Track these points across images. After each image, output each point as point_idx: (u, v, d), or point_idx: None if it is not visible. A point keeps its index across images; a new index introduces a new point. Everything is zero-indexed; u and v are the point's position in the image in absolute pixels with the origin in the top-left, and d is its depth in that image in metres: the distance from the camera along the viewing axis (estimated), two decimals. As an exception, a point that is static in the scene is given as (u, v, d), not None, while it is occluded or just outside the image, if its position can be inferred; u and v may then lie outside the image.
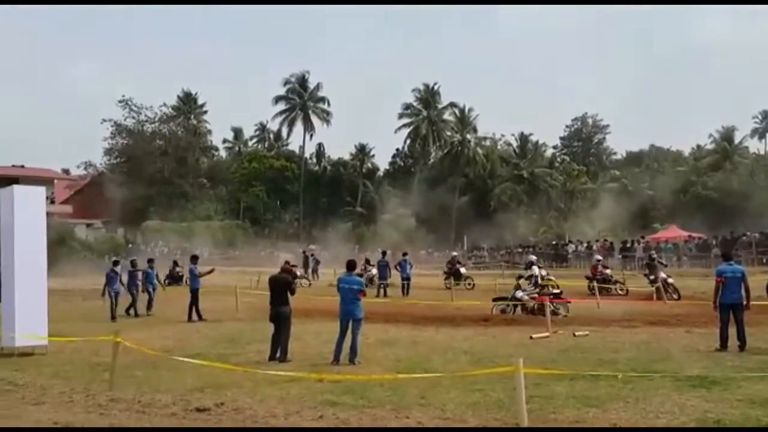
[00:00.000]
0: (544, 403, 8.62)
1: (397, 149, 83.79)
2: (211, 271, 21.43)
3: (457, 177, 73.23)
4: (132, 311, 21.07)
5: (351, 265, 12.65)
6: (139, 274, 21.90)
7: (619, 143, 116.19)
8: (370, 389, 9.62)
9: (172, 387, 10.21)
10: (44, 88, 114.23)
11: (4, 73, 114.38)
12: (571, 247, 48.57)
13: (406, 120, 76.04)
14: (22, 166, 61.41)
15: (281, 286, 12.72)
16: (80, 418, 8.52)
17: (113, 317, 19.90)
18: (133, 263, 22.65)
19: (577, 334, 14.73)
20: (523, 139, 77.22)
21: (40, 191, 14.67)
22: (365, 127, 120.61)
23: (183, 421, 8.28)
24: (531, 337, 14.35)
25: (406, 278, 26.47)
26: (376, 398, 9.11)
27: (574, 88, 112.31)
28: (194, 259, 21.01)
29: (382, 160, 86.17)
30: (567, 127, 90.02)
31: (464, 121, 75.17)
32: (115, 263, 21.70)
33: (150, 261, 23.97)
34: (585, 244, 47.37)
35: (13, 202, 13.57)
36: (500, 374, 9.24)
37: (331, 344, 12.39)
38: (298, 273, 22.64)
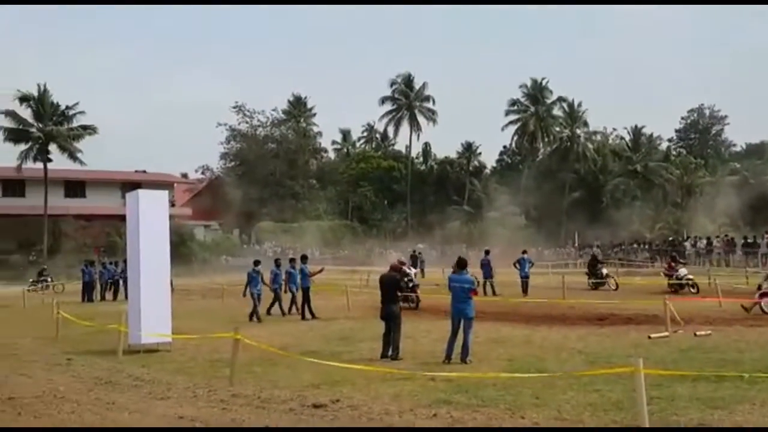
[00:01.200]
0: (665, 404, 8.29)
1: (505, 146, 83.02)
2: (320, 271, 21.86)
3: (567, 173, 71.52)
4: (273, 310, 20.79)
5: (461, 264, 12.57)
6: (283, 274, 21.53)
7: (738, 135, 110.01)
8: (484, 388, 9.54)
9: (289, 383, 10.48)
10: (161, 96, 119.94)
11: (124, 83, 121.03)
12: (689, 244, 46.45)
13: (513, 116, 74.83)
14: (144, 171, 64.85)
15: (391, 285, 12.81)
16: (204, 412, 8.88)
17: (258, 318, 19.70)
18: (276, 263, 22.37)
19: (698, 333, 14.08)
20: (636, 132, 74.45)
21: (163, 195, 15.35)
22: (471, 125, 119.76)
23: (301, 416, 8.48)
24: (649, 337, 13.83)
25: (525, 276, 25.93)
26: (490, 397, 9.02)
27: (688, 79, 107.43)
28: (304, 258, 21.49)
29: (489, 158, 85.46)
30: (683, 119, 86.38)
31: (573, 115, 73.20)
32: (256, 263, 21.25)
33: (277, 261, 23.41)
34: (704, 240, 45.18)
35: (139, 205, 14.32)
36: (618, 375, 8.99)
37: (442, 343, 12.39)
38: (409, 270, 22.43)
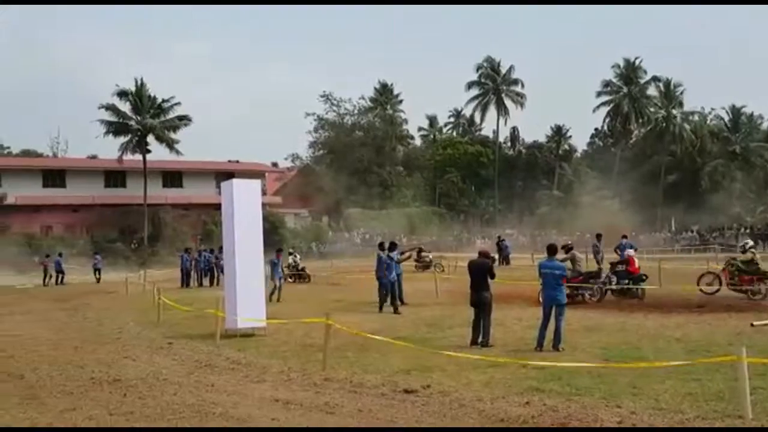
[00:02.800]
0: (770, 395, 7.94)
1: (596, 129, 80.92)
2: (409, 257, 21.91)
3: (662, 155, 69.03)
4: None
5: (552, 250, 12.36)
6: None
7: None
8: (577, 376, 9.37)
9: (380, 368, 10.60)
10: (252, 88, 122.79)
11: (217, 76, 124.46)
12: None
13: (605, 98, 72.69)
14: (237, 161, 66.63)
15: (481, 271, 12.72)
16: (298, 396, 9.09)
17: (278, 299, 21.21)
18: (391, 246, 21.34)
19: (807, 322, 13.37)
20: (736, 112, 71.07)
21: (256, 184, 15.78)
22: (561, 107, 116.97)
23: (392, 401, 8.55)
24: (752, 324, 13.20)
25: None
26: (584, 386, 8.86)
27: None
28: (393, 246, 21.55)
29: (579, 141, 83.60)
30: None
31: (669, 95, 70.48)
32: (279, 251, 23.28)
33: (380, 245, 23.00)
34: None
35: (233, 193, 14.74)
36: (719, 364, 8.66)
37: (533, 330, 12.25)
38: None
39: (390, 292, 18.80)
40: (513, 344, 12.38)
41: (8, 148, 71.55)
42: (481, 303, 12.52)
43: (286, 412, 8.19)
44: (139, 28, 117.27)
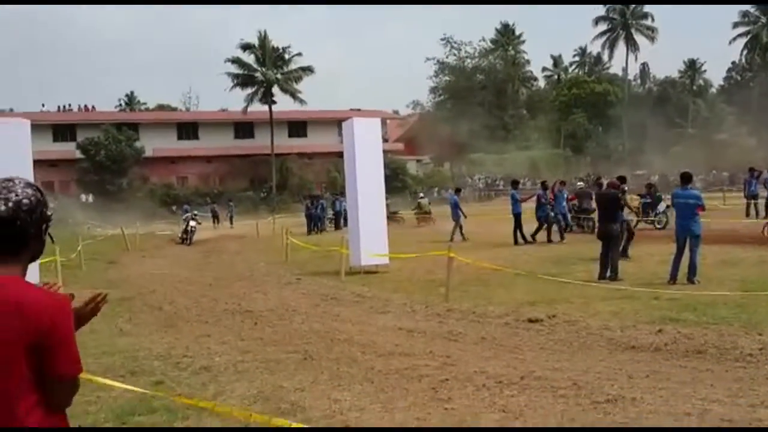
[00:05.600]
0: None
1: (733, 62, 75.44)
2: (531, 197, 21.40)
3: (808, 87, 63.56)
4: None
5: (686, 178, 11.65)
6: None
7: None
8: (714, 307, 8.87)
9: (503, 300, 10.48)
10: (371, 40, 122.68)
11: (339, 28, 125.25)
12: None
13: (742, 29, 67.50)
14: (359, 110, 67.13)
15: (609, 203, 12.22)
16: (421, 325, 9.13)
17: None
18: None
19: None
20: None
21: (376, 122, 15.84)
22: (695, 40, 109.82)
23: (516, 330, 8.44)
24: None
25: (751, 196, 23.60)
26: (721, 316, 8.37)
27: None
28: (515, 184, 21.17)
29: (715, 76, 78.33)
30: None
31: (816, 22, 64.58)
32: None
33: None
34: None
35: (354, 132, 14.84)
36: None
37: (667, 265, 11.67)
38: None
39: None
40: (645, 278, 11.84)
41: (145, 103, 75.39)
42: (608, 235, 12.06)
43: (409, 339, 8.25)
44: None
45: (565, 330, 8.21)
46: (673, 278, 11.14)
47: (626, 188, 16.49)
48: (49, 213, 2.18)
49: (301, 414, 5.47)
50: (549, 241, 19.35)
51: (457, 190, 25.31)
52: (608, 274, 11.95)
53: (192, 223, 28.25)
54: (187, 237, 27.88)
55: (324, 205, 33.12)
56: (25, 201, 2.09)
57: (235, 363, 7.38)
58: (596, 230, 12.38)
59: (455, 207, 22.20)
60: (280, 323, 9.66)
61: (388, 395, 5.92)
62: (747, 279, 11.16)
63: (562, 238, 19.65)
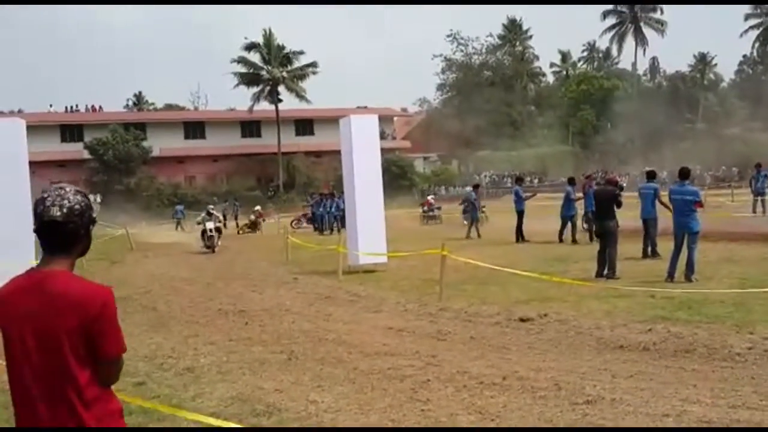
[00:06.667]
0: None
1: (744, 55, 74.81)
2: (534, 195, 21.30)
3: (822, 80, 62.97)
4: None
5: (684, 174, 11.50)
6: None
7: None
8: (709, 305, 8.75)
9: (498, 299, 10.38)
10: (379, 37, 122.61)
11: (345, 26, 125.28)
12: None
13: (754, 21, 66.84)
14: (366, 107, 67.01)
15: (606, 199, 12.09)
16: (412, 324, 9.05)
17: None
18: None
19: None
20: None
21: (373, 119, 15.68)
22: (705, 33, 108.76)
23: (505, 329, 8.34)
24: None
25: (758, 192, 23.33)
26: (716, 314, 8.24)
27: None
28: (519, 180, 21.09)
29: (726, 70, 77.66)
30: None
31: (829, 13, 63.88)
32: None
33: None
34: None
35: (351, 129, 14.75)
36: None
37: (666, 262, 11.52)
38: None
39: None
40: (642, 276, 11.71)
41: (153, 103, 75.56)
42: (606, 232, 11.93)
43: (397, 339, 8.18)
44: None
45: (555, 329, 8.11)
46: (670, 276, 11.01)
47: (624, 185, 16.39)
48: (94, 215, 2.55)
49: (276, 416, 5.42)
50: (574, 241, 18.07)
51: (475, 187, 24.80)
52: (605, 272, 11.82)
53: (209, 224, 23.72)
54: (211, 244, 23.41)
55: (340, 204, 32.25)
56: (77, 207, 2.45)
57: (219, 363, 7.35)
58: (594, 227, 12.22)
59: (473, 204, 22.22)
60: (271, 323, 9.61)
61: (367, 396, 5.86)
62: (746, 276, 11.02)
63: (591, 239, 17.09)
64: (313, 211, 32.05)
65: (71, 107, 62.82)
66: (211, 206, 26.51)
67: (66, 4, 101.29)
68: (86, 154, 52.89)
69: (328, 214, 30.51)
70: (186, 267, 19.08)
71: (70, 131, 56.40)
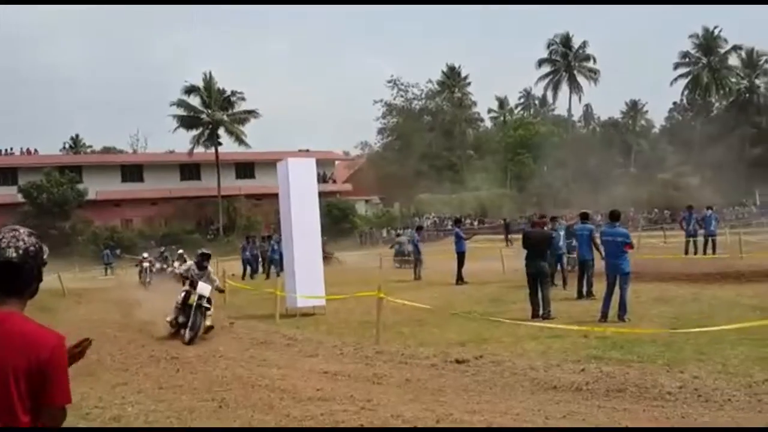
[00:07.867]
0: None
1: (674, 102, 77.90)
2: (473, 235, 21.56)
3: (746, 127, 65.72)
4: None
5: (614, 216, 11.81)
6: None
7: None
8: (641, 345, 8.89)
9: (435, 341, 10.35)
10: (319, 78, 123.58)
11: (285, 70, 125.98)
12: None
13: (682, 70, 69.70)
14: (308, 150, 67.12)
15: (540, 241, 12.27)
16: (348, 368, 8.93)
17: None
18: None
19: None
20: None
21: (311, 162, 15.66)
22: (636, 82, 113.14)
23: (442, 371, 8.30)
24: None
25: (711, 234, 23.85)
26: (647, 354, 8.38)
27: None
28: (458, 222, 21.29)
29: (657, 116, 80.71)
30: None
31: (752, 64, 67.03)
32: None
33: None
34: None
35: (288, 172, 14.69)
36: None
37: (599, 302, 11.71)
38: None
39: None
40: (577, 316, 11.89)
41: (90, 146, 74.10)
42: (541, 274, 12.10)
43: (332, 383, 8.04)
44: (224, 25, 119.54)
45: (490, 370, 8.10)
46: (604, 316, 11.19)
47: (557, 225, 16.70)
48: (45, 258, 2.52)
49: (202, 466, 5.21)
50: (564, 283, 16.25)
51: (418, 229, 25.42)
52: (541, 312, 11.94)
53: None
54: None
55: (274, 246, 31.72)
56: (31, 248, 2.46)
57: (147, 413, 7.08)
58: (526, 269, 12.36)
59: (415, 246, 22.53)
60: (203, 370, 9.34)
61: (298, 444, 5.71)
62: (678, 316, 11.29)
63: (564, 283, 16.25)
64: (242, 256, 30.92)
65: (6, 150, 61.16)
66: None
67: None
68: (20, 198, 51.27)
69: (269, 255, 29.78)
70: (119, 311, 18.50)
71: (4, 175, 54.77)
